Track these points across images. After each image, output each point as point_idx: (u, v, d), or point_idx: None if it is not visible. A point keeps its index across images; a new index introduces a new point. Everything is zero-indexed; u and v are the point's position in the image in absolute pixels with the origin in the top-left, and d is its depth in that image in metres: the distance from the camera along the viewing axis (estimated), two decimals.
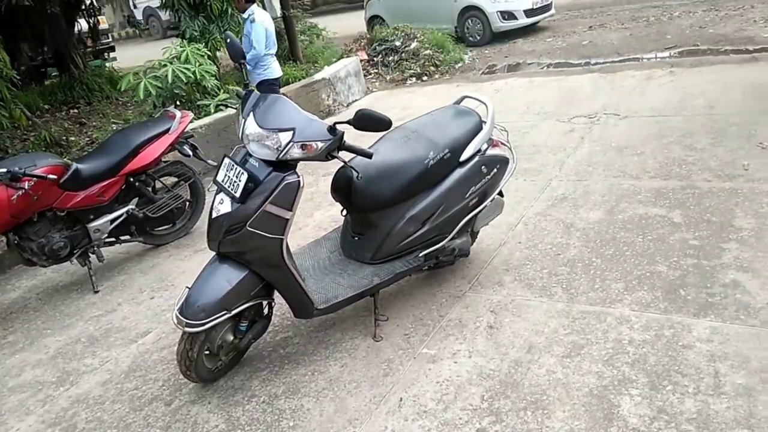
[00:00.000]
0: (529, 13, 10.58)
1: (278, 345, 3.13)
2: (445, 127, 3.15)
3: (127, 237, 4.41)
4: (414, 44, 9.86)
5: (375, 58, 9.97)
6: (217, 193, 2.66)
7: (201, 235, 4.73)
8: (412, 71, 9.39)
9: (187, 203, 4.73)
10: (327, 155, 2.55)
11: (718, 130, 4.88)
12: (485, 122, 3.21)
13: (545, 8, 10.92)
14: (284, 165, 2.57)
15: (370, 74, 9.66)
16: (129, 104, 10.82)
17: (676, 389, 2.35)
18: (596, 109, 6.03)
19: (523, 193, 4.35)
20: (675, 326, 2.70)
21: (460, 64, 9.63)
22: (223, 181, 2.61)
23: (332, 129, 2.51)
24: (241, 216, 2.52)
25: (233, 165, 2.59)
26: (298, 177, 2.56)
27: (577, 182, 4.42)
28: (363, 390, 2.68)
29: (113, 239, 4.33)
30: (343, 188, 2.95)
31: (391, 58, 9.82)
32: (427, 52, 9.73)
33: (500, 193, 3.39)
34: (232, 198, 2.55)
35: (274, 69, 6.48)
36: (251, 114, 2.58)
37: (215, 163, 6.08)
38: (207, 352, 2.78)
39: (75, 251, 4.07)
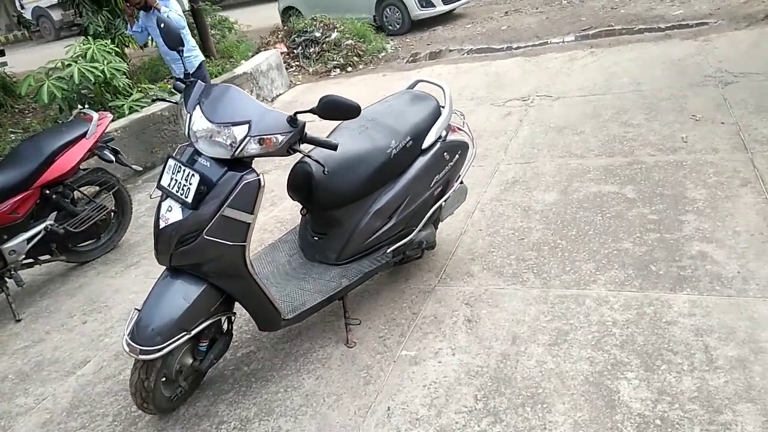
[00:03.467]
0: (446, 0, 10.58)
1: (241, 362, 2.85)
2: (404, 113, 2.97)
3: (47, 256, 3.95)
4: (335, 35, 9.60)
5: (295, 51, 9.63)
6: (162, 200, 2.35)
7: (130, 248, 4.34)
8: (336, 62, 9.14)
9: (112, 214, 4.30)
10: (288, 149, 2.30)
11: (649, 105, 4.99)
12: (443, 107, 3.06)
13: None
14: (239, 163, 2.30)
15: (292, 67, 9.31)
16: (27, 111, 9.93)
17: (671, 368, 2.30)
18: (528, 92, 6.05)
19: (473, 179, 4.23)
20: (654, 303, 2.67)
21: (383, 54, 9.47)
22: (169, 185, 2.30)
23: (293, 120, 2.26)
24: (195, 223, 2.23)
25: (180, 166, 2.29)
26: (258, 175, 2.30)
27: (525, 165, 4.37)
28: (345, 402, 2.47)
29: (31, 260, 3.86)
30: (302, 185, 2.70)
31: (312, 49, 9.51)
32: (349, 42, 9.50)
33: (460, 181, 3.26)
34: (183, 204, 2.25)
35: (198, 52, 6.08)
36: (197, 107, 2.28)
37: (140, 168, 5.67)
38: (164, 379, 2.46)
39: None
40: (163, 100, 2.73)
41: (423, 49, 9.31)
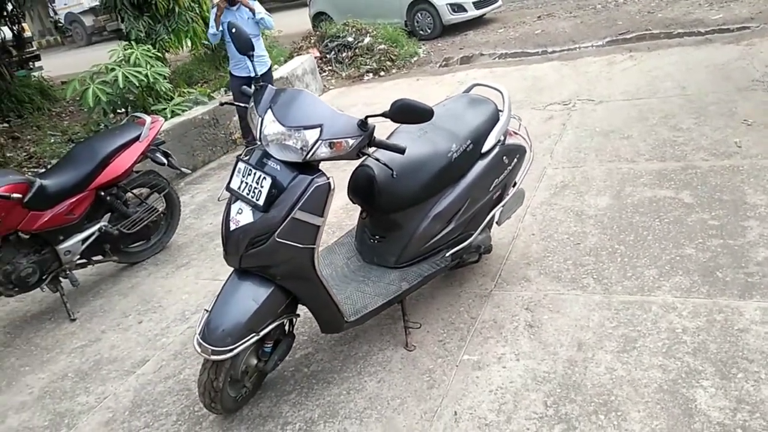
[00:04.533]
0: (478, 4, 10.56)
1: (300, 363, 2.85)
2: (463, 117, 2.96)
3: (100, 257, 4.01)
4: (367, 39, 9.64)
5: (328, 55, 9.68)
6: (232, 203, 2.36)
7: (179, 249, 4.39)
8: (368, 67, 9.18)
9: (162, 216, 4.35)
10: (358, 153, 2.30)
11: (697, 109, 4.92)
12: (501, 110, 3.04)
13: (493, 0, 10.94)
14: (308, 166, 2.30)
15: (325, 72, 9.37)
16: (64, 114, 10.12)
17: (748, 376, 2.25)
18: (569, 96, 6.00)
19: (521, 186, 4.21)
20: (724, 310, 2.62)
21: (415, 58, 9.49)
22: (239, 188, 2.32)
23: (363, 123, 2.26)
24: (266, 226, 2.24)
25: (250, 169, 2.30)
26: (328, 179, 2.30)
27: (573, 169, 4.33)
28: (410, 406, 2.46)
29: (85, 260, 3.91)
30: (363, 188, 2.70)
31: (344, 54, 9.56)
32: (382, 47, 9.53)
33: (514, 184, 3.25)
34: (254, 206, 2.26)
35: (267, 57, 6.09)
36: (269, 111, 2.29)
37: (189, 171, 5.74)
38: (230, 380, 2.47)
39: (45, 277, 3.64)
40: (232, 104, 2.74)
41: (455, 54, 9.30)
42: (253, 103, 2.39)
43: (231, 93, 6.19)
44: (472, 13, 10.53)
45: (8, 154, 7.57)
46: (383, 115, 2.23)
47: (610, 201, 3.75)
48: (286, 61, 8.97)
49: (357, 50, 9.49)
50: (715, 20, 7.72)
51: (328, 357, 2.86)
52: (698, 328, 2.54)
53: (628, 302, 2.80)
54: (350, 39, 9.69)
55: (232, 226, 2.32)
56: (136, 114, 4.28)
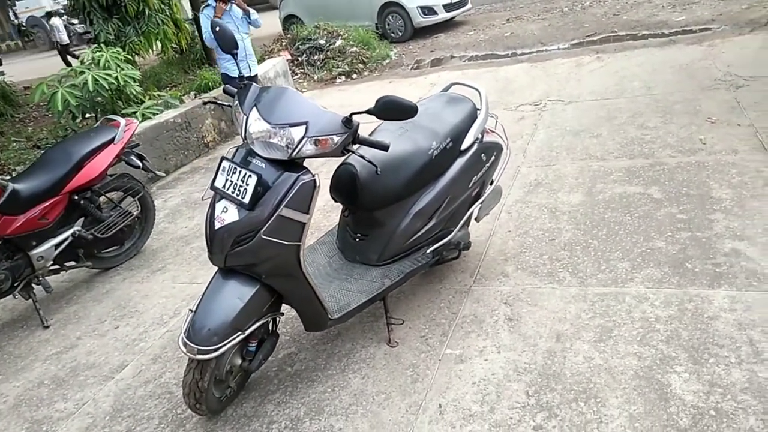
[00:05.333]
0: (448, 7, 10.70)
1: (283, 363, 2.86)
2: (442, 115, 3.01)
3: (74, 263, 3.94)
4: (339, 42, 9.68)
5: (299, 58, 9.70)
6: (216, 201, 2.36)
7: (154, 254, 4.35)
8: (341, 69, 9.21)
9: (137, 220, 4.30)
10: (342, 150, 2.33)
11: (663, 108, 5.07)
12: (479, 108, 3.10)
13: (462, 2, 11.09)
14: (293, 164, 2.32)
15: (297, 74, 9.37)
16: (28, 120, 9.91)
17: (719, 361, 2.34)
18: (539, 97, 6.13)
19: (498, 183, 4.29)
20: (694, 299, 2.72)
21: (387, 61, 9.56)
22: (224, 186, 2.32)
23: (348, 121, 2.29)
24: (252, 224, 2.24)
25: (235, 168, 2.31)
26: (314, 176, 2.32)
27: (546, 167, 4.43)
28: (395, 400, 2.49)
29: (58, 266, 3.85)
30: (346, 186, 2.73)
31: (316, 57, 9.58)
32: (354, 49, 9.58)
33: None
34: (240, 204, 2.27)
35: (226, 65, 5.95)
36: (254, 109, 2.30)
37: (164, 174, 5.68)
38: (214, 380, 2.47)
39: (17, 284, 3.57)
40: (216, 102, 2.74)
41: (427, 56, 9.39)
42: (237, 102, 2.40)
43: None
44: (443, 15, 10.66)
45: None
46: (368, 112, 2.26)
47: (583, 198, 3.85)
48: (258, 64, 8.93)
49: (329, 53, 9.52)
50: (678, 22, 7.97)
51: (311, 356, 2.87)
52: (670, 317, 2.63)
53: (602, 294, 2.88)
54: (322, 42, 9.72)
55: (217, 225, 2.31)
56: (110, 116, 4.22)
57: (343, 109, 6.56)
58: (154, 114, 6.36)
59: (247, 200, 2.24)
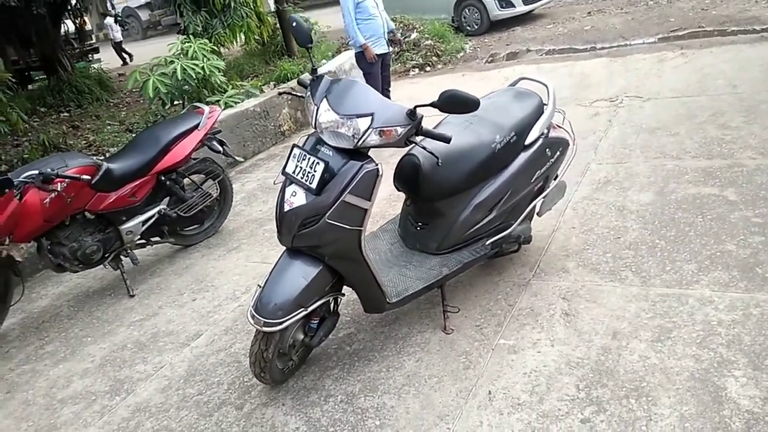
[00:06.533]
0: (526, 0, 10.52)
1: (343, 342, 3.01)
2: (508, 109, 3.05)
3: (158, 238, 4.26)
4: (414, 35, 9.75)
5: None
6: (287, 186, 2.52)
7: (230, 234, 4.61)
8: (414, 62, 9.28)
9: (216, 201, 4.57)
10: (405, 141, 2.43)
11: (747, 108, 4.85)
12: (546, 104, 3.12)
13: None
14: (359, 153, 2.44)
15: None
16: (121, 105, 10.58)
17: None
18: (616, 93, 5.99)
19: (563, 178, 4.26)
20: (761, 305, 2.64)
21: (461, 54, 9.55)
22: (294, 172, 2.47)
23: (412, 113, 2.39)
24: (318, 208, 2.39)
25: (305, 155, 2.46)
26: (377, 165, 2.44)
27: (617, 165, 4.35)
28: (446, 384, 2.58)
29: (144, 241, 4.17)
30: (409, 176, 2.83)
31: (391, 49, 9.66)
32: (428, 42, 9.62)
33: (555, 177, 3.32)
34: (307, 189, 2.42)
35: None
36: (324, 100, 2.44)
37: (242, 159, 5.99)
38: (278, 352, 2.65)
39: (107, 255, 3.90)
40: (291, 93, 2.91)
41: (502, 50, 9.31)
42: (309, 93, 2.55)
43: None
44: (521, 8, 10.50)
45: (69, 142, 7.99)
46: (432, 104, 2.34)
47: (653, 197, 3.78)
48: (333, 56, 9.16)
49: (404, 45, 9.59)
50: None
51: (370, 337, 3.00)
52: (734, 321, 2.57)
53: (665, 295, 2.85)
54: (397, 34, 9.79)
55: (286, 208, 2.48)
56: (195, 104, 4.51)
57: (414, 101, 6.65)
58: (236, 103, 6.69)
59: (314, 185, 2.38)
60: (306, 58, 9.98)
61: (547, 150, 3.04)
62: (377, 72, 6.06)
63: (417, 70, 9.19)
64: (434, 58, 9.35)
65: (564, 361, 2.57)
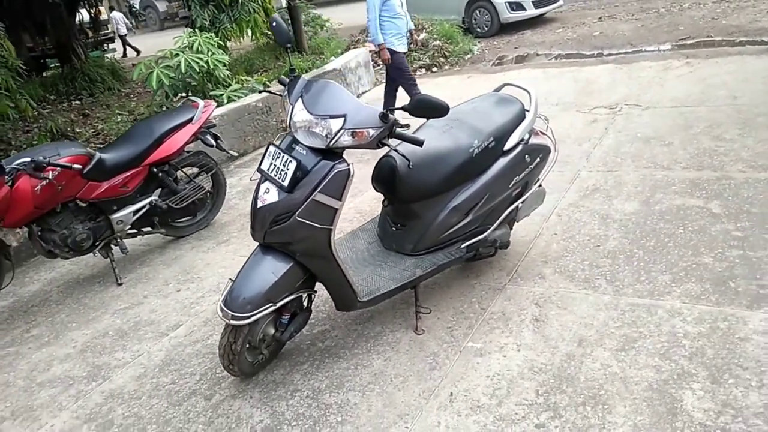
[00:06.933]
0: (537, 3, 10.50)
1: (316, 338, 3.05)
2: (489, 114, 3.07)
3: (149, 228, 4.33)
4: (423, 35, 9.76)
5: None
6: (261, 182, 2.57)
7: (222, 227, 4.67)
8: (422, 62, 9.30)
9: (209, 194, 4.64)
10: (378, 143, 2.46)
11: (745, 120, 4.83)
12: (528, 110, 3.13)
13: None
14: (332, 153, 2.48)
15: (379, 65, 9.53)
16: (132, 95, 10.69)
17: (739, 383, 2.29)
18: (617, 100, 5.97)
19: (552, 184, 4.25)
20: (729, 318, 2.64)
21: (469, 56, 9.55)
22: (268, 169, 2.52)
23: (384, 115, 2.42)
24: (289, 205, 2.43)
25: (279, 153, 2.50)
26: (348, 165, 2.47)
27: (607, 173, 4.35)
28: (410, 384, 2.62)
29: (135, 231, 4.24)
30: (386, 177, 2.86)
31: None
32: (437, 43, 9.64)
33: (539, 184, 3.34)
34: (280, 187, 2.46)
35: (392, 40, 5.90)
36: (300, 100, 2.49)
37: (236, 154, 6.05)
38: (248, 346, 2.70)
39: (98, 243, 3.98)
40: (269, 91, 2.96)
41: (510, 53, 9.29)
42: (286, 92, 2.59)
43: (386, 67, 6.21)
44: (531, 12, 10.48)
45: (78, 130, 8.13)
46: (403, 108, 2.38)
47: (638, 207, 3.78)
48: (342, 53, 9.20)
49: (412, 45, 9.60)
50: None
51: (343, 334, 3.04)
52: (699, 334, 2.58)
53: (635, 305, 2.86)
54: (414, 35, 9.82)
55: (259, 204, 2.52)
56: (190, 98, 4.58)
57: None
58: (239, 97, 6.76)
59: (286, 183, 2.43)
60: (316, 55, 10.08)
61: (527, 156, 3.06)
62: (406, 68, 6.11)
63: (424, 70, 9.21)
64: (441, 59, 9.36)
65: (528, 366, 2.59)
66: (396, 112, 2.41)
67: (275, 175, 2.48)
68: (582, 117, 5.68)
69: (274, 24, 2.68)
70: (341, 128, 2.38)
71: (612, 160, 4.58)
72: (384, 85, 6.54)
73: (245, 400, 2.71)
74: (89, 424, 2.74)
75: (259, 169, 2.58)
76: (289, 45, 2.69)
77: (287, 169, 2.44)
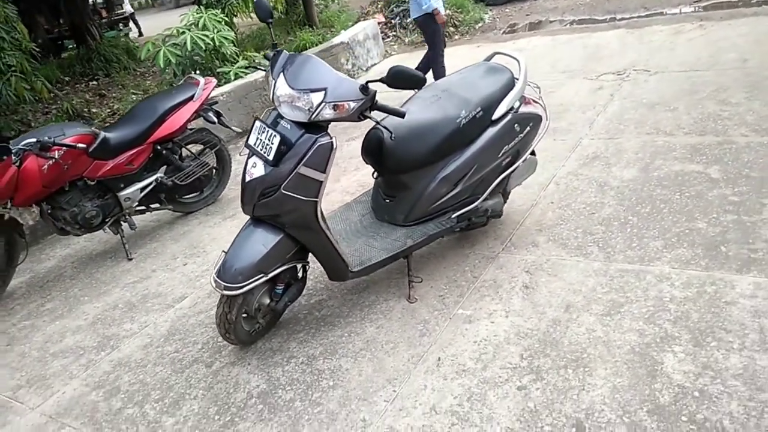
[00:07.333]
0: None
1: (313, 308, 3.14)
2: (477, 84, 3.08)
3: (157, 205, 4.44)
4: None
5: (393, 21, 9.79)
6: (249, 157, 2.63)
7: (228, 203, 4.77)
8: None
9: (214, 170, 4.73)
10: (359, 115, 2.50)
11: (752, 83, 4.73)
12: (517, 79, 3.13)
13: None
14: (316, 126, 2.53)
15: (389, 37, 9.49)
16: (147, 74, 10.80)
17: (721, 345, 2.32)
18: (625, 66, 5.88)
19: (553, 153, 4.28)
20: (717, 283, 2.66)
21: (480, 24, 9.42)
22: (255, 144, 2.58)
23: (364, 88, 2.45)
24: (275, 179, 2.49)
25: (265, 128, 2.56)
26: (331, 138, 2.52)
27: (609, 140, 4.33)
28: (400, 350, 2.69)
29: (143, 207, 4.36)
30: (374, 150, 2.91)
31: (408, 19, 9.60)
32: (447, 12, 9.50)
33: (532, 152, 3.35)
34: (266, 161, 2.52)
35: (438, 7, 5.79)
36: (281, 75, 2.53)
37: (239, 130, 6.13)
38: (245, 315, 2.80)
39: (107, 219, 4.11)
40: (256, 67, 3.01)
41: (521, 20, 9.16)
42: (269, 67, 2.64)
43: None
44: None
45: (93, 110, 8.29)
46: (381, 80, 2.41)
47: (636, 173, 3.76)
48: (352, 26, 9.16)
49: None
50: None
51: (338, 303, 3.13)
52: (686, 298, 2.60)
53: (625, 270, 2.88)
54: None
55: (248, 178, 2.59)
56: (191, 75, 4.64)
57: (429, 73, 6.55)
58: (246, 73, 6.80)
59: (271, 157, 2.49)
60: (327, 28, 10.04)
61: (516, 125, 3.06)
62: (442, 35, 6.07)
63: None
64: (451, 29, 9.25)
65: (514, 331, 2.65)
66: (374, 84, 2.43)
67: (261, 150, 2.54)
68: (588, 84, 5.61)
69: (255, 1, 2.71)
70: (322, 101, 2.42)
71: (615, 127, 4.54)
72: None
73: (243, 366, 2.82)
74: (97, 390, 2.88)
75: (246, 144, 2.64)
76: (270, 21, 2.72)
77: (272, 144, 2.49)
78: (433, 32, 6.08)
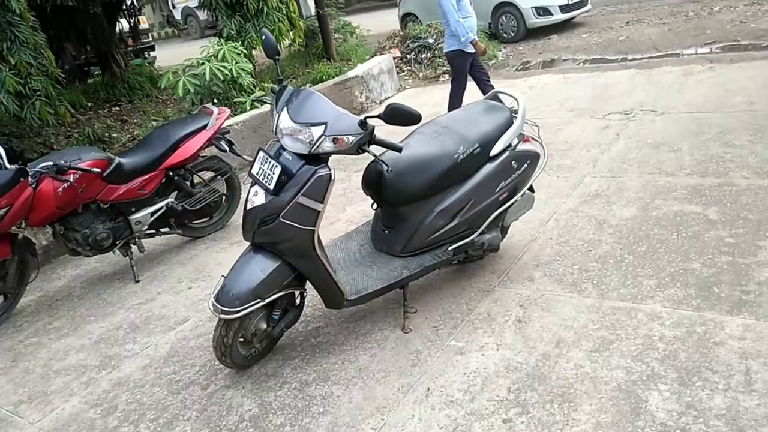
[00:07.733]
0: (564, 8, 10.46)
1: (310, 334, 3.20)
2: (476, 121, 3.17)
3: (167, 229, 4.56)
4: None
5: (408, 56, 10.00)
6: (251, 186, 2.74)
7: (237, 229, 4.82)
8: (445, 68, 9.37)
9: (224, 197, 4.86)
10: (358, 149, 2.60)
11: (758, 126, 4.77)
12: (516, 117, 3.22)
13: (581, 3, 10.77)
14: (316, 158, 2.63)
15: (403, 71, 9.69)
16: (168, 102, 11.09)
17: (706, 385, 2.33)
18: (632, 106, 5.95)
19: (555, 190, 4.34)
20: (707, 323, 2.68)
21: (493, 61, 9.57)
22: (257, 173, 2.69)
23: (363, 123, 2.56)
24: (274, 207, 2.59)
25: (267, 158, 2.67)
26: (330, 170, 2.62)
27: (611, 179, 4.38)
28: (391, 379, 2.74)
29: (153, 231, 4.48)
30: (373, 182, 3.00)
31: (423, 55, 9.83)
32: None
33: (531, 189, 3.42)
34: (266, 190, 2.62)
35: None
36: (285, 109, 2.65)
37: (251, 159, 6.27)
38: (241, 340, 2.87)
39: (117, 242, 4.22)
40: (263, 101, 3.14)
41: (534, 58, 9.31)
42: (274, 101, 2.76)
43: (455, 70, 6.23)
44: (558, 17, 10.45)
45: (114, 135, 8.53)
46: (378, 116, 2.52)
47: (636, 212, 3.81)
48: (368, 60, 9.38)
49: (436, 51, 9.72)
50: None
51: (335, 331, 3.18)
52: (675, 338, 2.62)
53: (616, 308, 2.91)
54: (431, 40, 9.94)
55: (249, 206, 2.70)
56: (205, 105, 4.81)
57: (437, 107, 6.73)
58: (262, 104, 6.98)
59: (272, 186, 2.59)
60: (344, 61, 10.29)
61: (513, 162, 3.14)
62: (467, 71, 6.11)
63: (447, 76, 9.28)
64: None
65: (504, 364, 2.68)
66: (373, 120, 2.54)
67: (263, 179, 2.65)
68: (595, 123, 5.69)
69: (263, 38, 2.85)
70: (322, 135, 2.53)
71: (618, 166, 4.59)
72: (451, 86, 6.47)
73: (238, 390, 2.88)
74: (95, 408, 2.95)
75: (249, 174, 2.75)
76: (277, 57, 2.86)
77: (273, 174, 2.60)
78: (458, 68, 6.10)
